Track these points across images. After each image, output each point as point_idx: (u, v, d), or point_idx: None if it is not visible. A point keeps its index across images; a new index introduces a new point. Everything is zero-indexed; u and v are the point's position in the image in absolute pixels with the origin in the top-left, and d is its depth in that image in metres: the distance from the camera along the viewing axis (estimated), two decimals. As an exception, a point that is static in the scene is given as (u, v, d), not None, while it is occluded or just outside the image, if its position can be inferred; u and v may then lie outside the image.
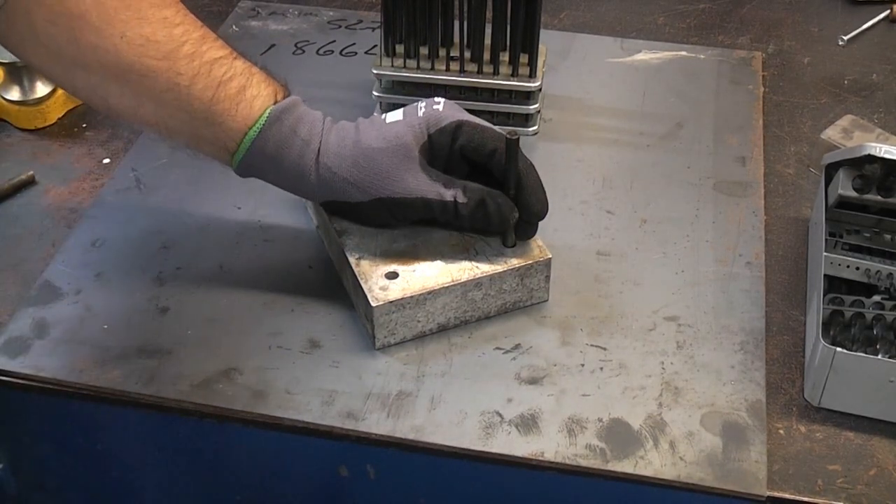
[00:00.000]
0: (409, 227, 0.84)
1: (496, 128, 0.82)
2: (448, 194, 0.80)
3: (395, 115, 0.82)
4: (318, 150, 0.79)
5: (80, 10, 0.73)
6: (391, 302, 0.79)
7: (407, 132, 0.80)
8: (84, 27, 0.74)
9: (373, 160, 0.79)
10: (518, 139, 0.79)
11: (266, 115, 0.78)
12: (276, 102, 0.79)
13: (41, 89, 1.05)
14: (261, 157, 0.79)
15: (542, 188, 0.82)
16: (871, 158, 0.81)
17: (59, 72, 0.78)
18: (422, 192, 0.80)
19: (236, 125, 0.78)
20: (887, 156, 0.80)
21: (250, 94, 0.78)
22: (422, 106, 0.82)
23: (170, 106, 0.77)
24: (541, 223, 0.86)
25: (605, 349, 0.82)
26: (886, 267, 0.85)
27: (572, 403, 0.78)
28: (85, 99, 0.83)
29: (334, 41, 1.18)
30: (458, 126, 0.81)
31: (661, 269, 0.89)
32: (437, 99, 0.83)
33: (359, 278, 0.80)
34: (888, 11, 1.23)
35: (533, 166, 0.82)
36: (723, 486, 0.73)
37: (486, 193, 0.80)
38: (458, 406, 0.78)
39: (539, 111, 1.03)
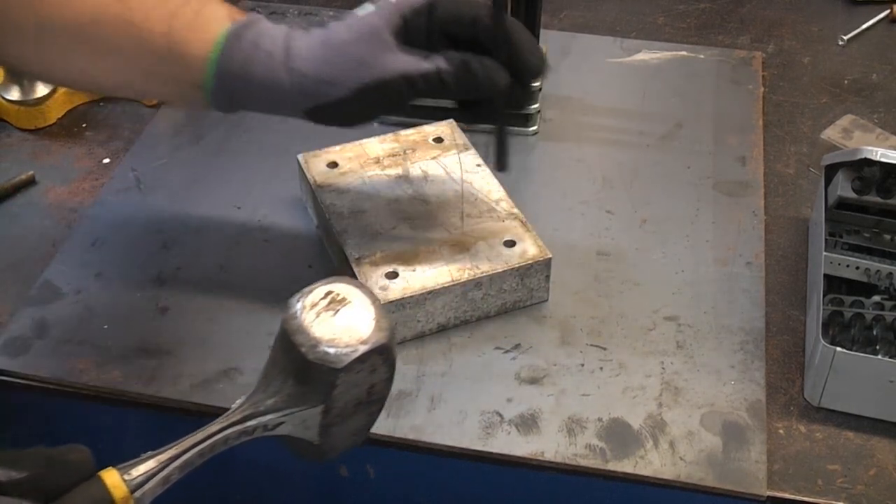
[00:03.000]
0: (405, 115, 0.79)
1: None
2: (429, 65, 0.75)
3: (367, 7, 0.78)
4: (288, 57, 0.75)
5: None
6: (391, 302, 0.79)
7: (376, 19, 0.76)
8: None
9: (344, 52, 0.75)
10: (508, 23, 0.74)
11: (224, 34, 0.75)
12: (233, 21, 0.76)
13: (41, 89, 1.05)
14: (230, 80, 0.75)
15: (536, 43, 0.77)
16: (870, 161, 0.81)
17: (27, 51, 0.77)
18: (401, 70, 0.74)
19: (197, 52, 0.75)
20: (884, 159, 0.80)
21: (204, 19, 0.75)
22: None
23: (131, 52, 0.75)
24: (540, 223, 0.86)
25: (605, 349, 0.82)
26: (886, 267, 0.85)
27: (572, 403, 0.78)
28: (61, 77, 0.82)
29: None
30: (433, 3, 0.76)
31: (661, 269, 0.89)
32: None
33: (359, 278, 0.80)
34: (888, 11, 1.23)
35: (521, 25, 0.77)
36: (723, 486, 0.73)
37: (469, 56, 0.74)
38: (458, 406, 0.78)
39: (539, 111, 1.03)
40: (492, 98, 0.76)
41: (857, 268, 0.86)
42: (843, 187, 0.84)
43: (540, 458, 0.74)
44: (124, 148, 1.03)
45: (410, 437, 0.76)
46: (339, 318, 0.62)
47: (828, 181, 0.87)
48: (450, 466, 0.77)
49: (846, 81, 1.13)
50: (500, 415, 0.77)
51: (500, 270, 0.82)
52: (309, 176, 0.91)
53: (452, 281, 0.81)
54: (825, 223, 0.86)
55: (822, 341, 0.74)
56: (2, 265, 0.90)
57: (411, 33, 0.76)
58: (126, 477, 0.57)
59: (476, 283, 0.81)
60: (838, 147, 1.03)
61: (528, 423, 0.77)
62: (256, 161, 1.00)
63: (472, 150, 0.94)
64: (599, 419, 0.77)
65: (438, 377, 0.80)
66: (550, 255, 0.83)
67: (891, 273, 0.85)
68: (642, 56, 1.16)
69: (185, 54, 0.75)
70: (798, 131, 1.06)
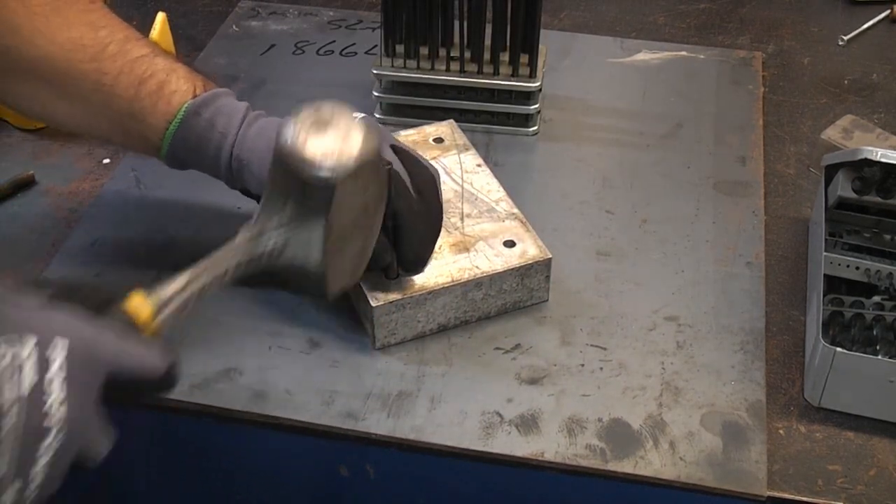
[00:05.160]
0: None
1: (422, 158, 0.80)
2: None
3: (357, 115, 0.80)
4: (234, 143, 0.79)
5: (15, 23, 0.76)
6: (391, 302, 0.79)
7: None
8: (17, 38, 0.76)
9: None
10: (389, 170, 0.74)
11: (183, 110, 0.78)
12: (195, 97, 0.79)
13: (41, 89, 1.05)
14: (184, 151, 0.80)
15: (423, 239, 0.78)
16: (870, 161, 0.81)
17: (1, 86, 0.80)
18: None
19: (157, 122, 0.79)
20: (884, 159, 0.80)
21: (168, 90, 0.79)
22: None
23: (98, 106, 0.79)
24: (541, 223, 0.86)
25: (605, 349, 0.82)
26: (886, 267, 0.85)
27: (572, 403, 0.78)
28: (26, 110, 0.85)
29: (334, 41, 1.18)
30: None
31: (661, 269, 0.89)
32: (355, 115, 0.81)
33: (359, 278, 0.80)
34: (888, 11, 1.23)
35: (420, 213, 0.78)
36: (723, 486, 0.73)
37: None
38: (458, 406, 0.78)
39: (539, 111, 1.03)
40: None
41: (857, 268, 0.86)
42: (844, 187, 0.84)
43: (540, 458, 0.74)
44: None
45: (410, 437, 0.76)
46: (328, 138, 0.65)
47: (828, 181, 0.87)
48: (450, 466, 0.77)
49: (846, 81, 1.13)
50: (501, 415, 0.77)
51: (500, 270, 0.82)
52: (309, 176, 0.91)
53: (452, 281, 0.81)
54: (825, 223, 0.86)
55: (822, 341, 0.74)
56: (2, 265, 0.90)
57: None
58: (150, 300, 0.61)
59: (476, 284, 0.81)
60: (838, 147, 1.03)
61: (528, 424, 0.77)
62: (256, 161, 1.00)
63: (472, 151, 0.94)
64: (599, 419, 0.77)
65: (438, 377, 0.80)
66: (550, 256, 0.83)
67: (891, 273, 0.85)
68: (642, 56, 1.16)
69: (147, 121, 0.79)
70: (798, 131, 1.06)
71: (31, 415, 0.53)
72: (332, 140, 0.65)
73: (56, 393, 0.54)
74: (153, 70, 0.79)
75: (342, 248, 0.68)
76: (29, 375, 0.53)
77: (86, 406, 0.57)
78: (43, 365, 0.54)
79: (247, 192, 0.82)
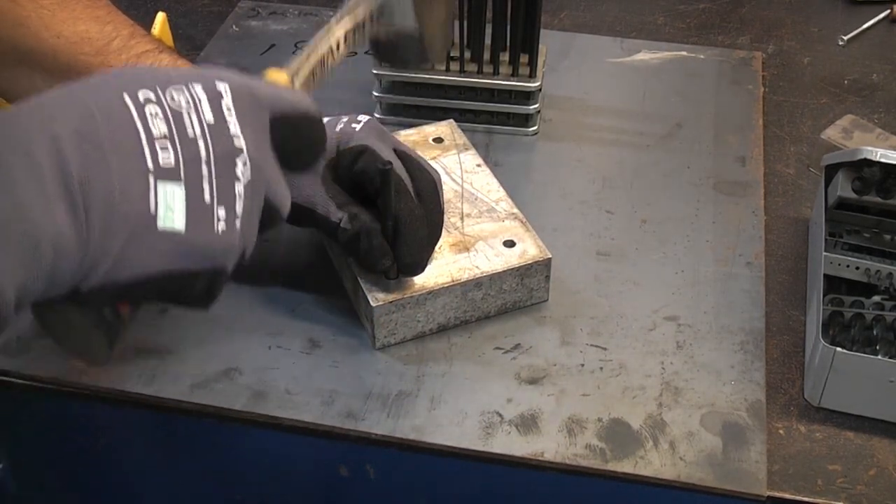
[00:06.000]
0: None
1: (425, 162, 0.81)
2: (335, 215, 0.77)
3: (361, 119, 0.81)
4: None
5: (21, 16, 0.76)
6: (391, 302, 0.79)
7: None
8: (24, 31, 0.77)
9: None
10: (389, 171, 0.75)
11: None
12: None
13: (41, 89, 1.05)
14: None
15: (422, 243, 0.78)
16: (870, 162, 0.81)
17: (3, 79, 0.80)
18: (312, 204, 0.78)
19: None
20: (883, 160, 0.80)
21: None
22: (343, 120, 0.81)
23: None
24: (541, 223, 0.86)
25: (605, 349, 0.82)
26: (886, 267, 0.85)
27: (572, 403, 0.78)
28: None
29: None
30: (361, 151, 0.78)
31: (661, 269, 0.89)
32: (360, 117, 0.81)
33: (359, 278, 0.80)
34: (888, 11, 1.23)
35: (421, 216, 0.78)
36: (723, 486, 0.73)
37: (366, 230, 0.77)
38: (458, 406, 0.78)
39: (539, 111, 1.03)
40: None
41: (857, 268, 0.86)
42: (843, 187, 0.84)
43: (540, 458, 0.74)
44: (124, 148, 1.03)
45: (410, 437, 0.76)
46: None
47: (828, 181, 0.87)
48: (450, 466, 0.77)
49: (846, 81, 1.13)
50: (500, 415, 0.77)
51: (500, 270, 0.82)
52: (309, 176, 0.91)
53: (452, 281, 0.81)
54: (825, 223, 0.86)
55: (822, 341, 0.74)
56: (2, 265, 0.90)
57: (339, 168, 0.79)
58: (283, 70, 0.66)
59: (476, 283, 0.81)
60: (838, 147, 1.03)
61: (528, 424, 0.77)
62: (256, 161, 1.00)
63: (472, 150, 0.94)
64: (599, 419, 0.77)
65: (438, 377, 0.80)
66: (550, 256, 0.83)
67: (891, 273, 0.85)
68: (642, 56, 1.16)
69: None
70: (798, 131, 1.06)
71: (219, 141, 0.56)
72: None
73: (234, 126, 0.57)
74: (158, 65, 0.79)
75: (429, 4, 0.73)
76: (207, 110, 0.56)
77: (261, 146, 0.59)
78: (216, 103, 0.57)
79: None
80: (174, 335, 0.83)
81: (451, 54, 1.01)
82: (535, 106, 1.02)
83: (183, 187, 0.54)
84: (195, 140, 0.55)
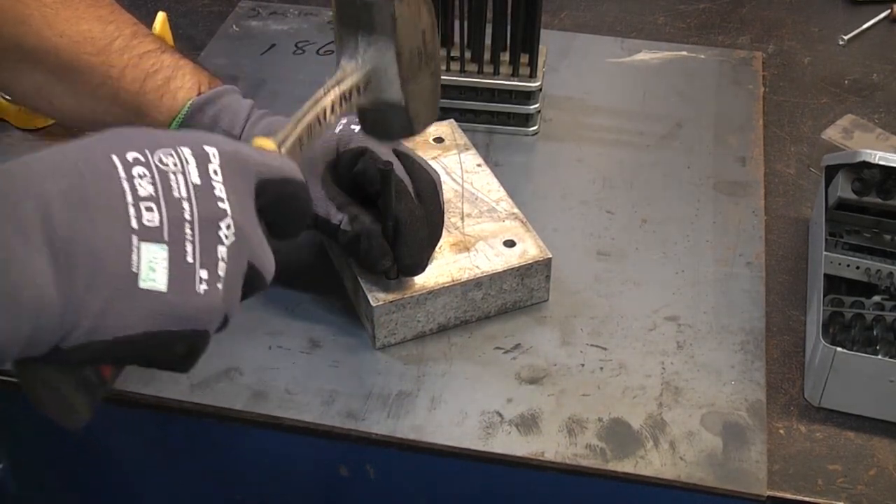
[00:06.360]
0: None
1: (423, 161, 0.81)
2: (335, 217, 0.78)
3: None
4: (242, 140, 0.79)
5: (25, 14, 0.77)
6: (391, 302, 0.79)
7: (318, 145, 0.79)
8: (27, 30, 0.77)
9: None
10: (389, 172, 0.75)
11: (187, 106, 0.79)
12: (199, 93, 0.80)
13: (41, 89, 1.05)
14: None
15: (423, 243, 0.79)
16: (869, 164, 0.81)
17: (6, 77, 0.80)
18: (312, 206, 0.78)
19: (161, 117, 0.79)
20: (882, 162, 0.80)
21: (174, 86, 0.80)
22: (343, 122, 0.81)
23: (104, 100, 0.79)
24: (541, 223, 0.86)
25: (605, 349, 0.82)
26: (887, 266, 0.85)
27: (572, 403, 0.78)
28: (33, 104, 0.86)
29: (334, 41, 1.18)
30: (361, 152, 0.78)
31: (661, 269, 0.89)
32: None
33: (359, 278, 0.80)
34: (888, 11, 1.23)
35: (421, 217, 0.78)
36: (723, 486, 0.73)
37: (366, 231, 0.77)
38: (458, 406, 0.78)
39: (539, 111, 1.03)
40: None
41: (858, 268, 0.86)
42: (843, 188, 0.84)
43: (540, 458, 0.74)
44: (124, 148, 1.03)
45: (410, 437, 0.76)
46: None
47: (828, 181, 0.87)
48: (450, 466, 0.77)
49: (846, 81, 1.13)
50: (501, 415, 0.77)
51: (500, 270, 0.82)
52: (309, 176, 0.91)
53: (452, 281, 0.81)
54: (825, 223, 0.86)
55: (823, 341, 0.74)
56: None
57: (339, 169, 0.80)
58: (270, 139, 0.65)
59: (476, 283, 0.81)
60: (839, 147, 1.03)
61: (528, 423, 0.77)
62: (256, 161, 1.00)
63: (473, 150, 0.94)
64: (599, 419, 0.77)
65: (438, 377, 0.80)
66: (550, 255, 0.83)
67: (891, 273, 0.85)
68: (642, 56, 1.16)
69: (151, 116, 0.79)
70: (798, 131, 1.06)
71: (204, 203, 0.55)
72: None
73: (220, 190, 0.56)
74: (160, 65, 0.79)
75: (415, 77, 0.72)
76: (194, 171, 0.55)
77: (246, 211, 0.58)
78: (203, 166, 0.56)
79: None
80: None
81: (452, 54, 1.01)
82: (536, 106, 1.02)
83: (166, 248, 0.54)
84: (180, 201, 0.54)
